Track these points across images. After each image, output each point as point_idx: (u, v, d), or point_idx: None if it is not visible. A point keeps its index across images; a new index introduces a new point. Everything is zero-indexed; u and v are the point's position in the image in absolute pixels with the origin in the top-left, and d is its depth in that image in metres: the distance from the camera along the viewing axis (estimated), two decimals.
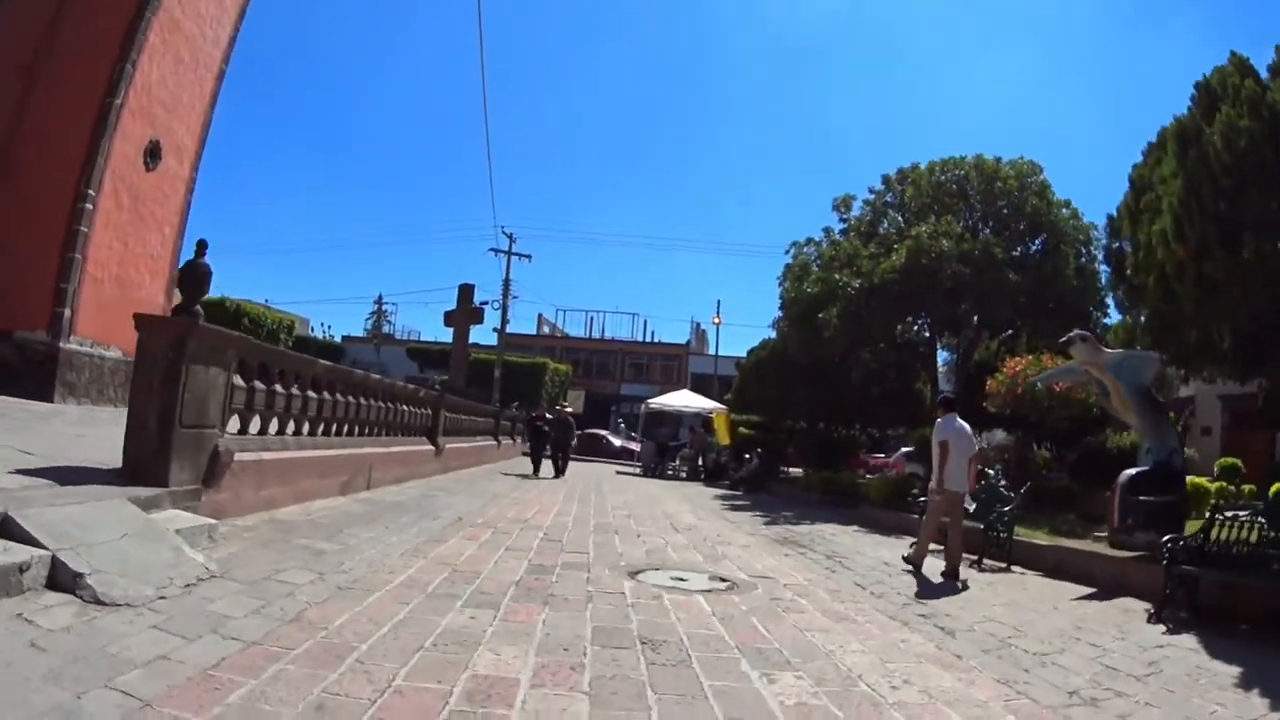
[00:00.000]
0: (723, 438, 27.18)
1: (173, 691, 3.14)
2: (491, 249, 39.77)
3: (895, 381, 25.30)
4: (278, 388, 8.83)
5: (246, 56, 57.81)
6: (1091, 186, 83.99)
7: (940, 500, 8.96)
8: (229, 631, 3.98)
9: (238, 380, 7.95)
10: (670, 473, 26.80)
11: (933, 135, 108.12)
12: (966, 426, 9.40)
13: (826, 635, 5.23)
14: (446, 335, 39.64)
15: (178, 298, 7.51)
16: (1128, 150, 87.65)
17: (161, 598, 4.36)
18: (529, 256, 40.34)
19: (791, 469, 27.14)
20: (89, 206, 19.43)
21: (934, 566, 8.75)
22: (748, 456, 24.68)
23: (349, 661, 3.73)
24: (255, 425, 8.63)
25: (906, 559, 9.10)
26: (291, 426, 9.52)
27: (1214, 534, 6.91)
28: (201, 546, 6.14)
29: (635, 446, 30.83)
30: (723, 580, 7.01)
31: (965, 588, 8.00)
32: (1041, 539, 10.30)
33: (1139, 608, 7.03)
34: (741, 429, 28.28)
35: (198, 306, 7.29)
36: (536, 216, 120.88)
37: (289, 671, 3.52)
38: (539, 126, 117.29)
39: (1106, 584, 8.26)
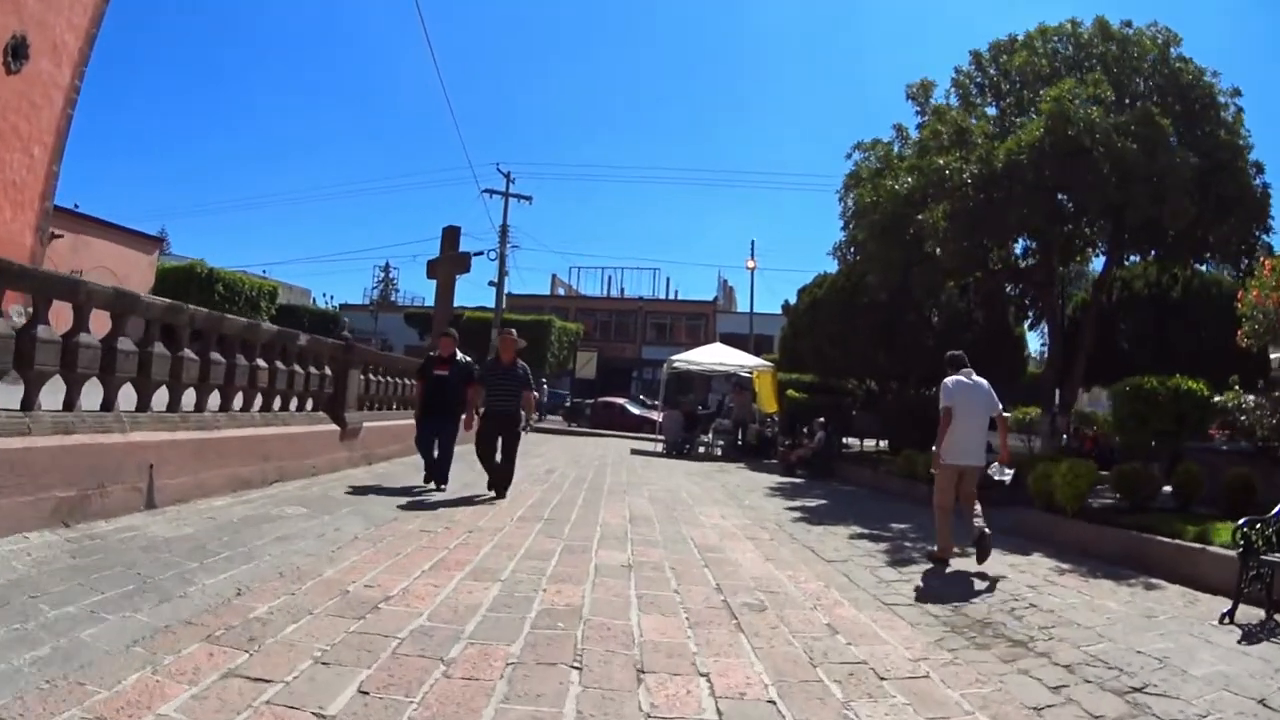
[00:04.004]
0: (768, 403, 21.21)
1: None
2: (486, 190, 33.53)
3: (987, 324, 19.27)
4: None
5: None
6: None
7: (939, 476, 7.22)
8: None
9: None
10: (702, 449, 20.94)
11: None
12: (984, 384, 7.45)
13: None
14: (456, 300, 33.90)
15: None
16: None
17: None
18: (529, 198, 34.35)
19: (854, 440, 21.21)
20: None
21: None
22: (804, 429, 18.73)
23: None
24: None
25: (930, 555, 7.19)
26: None
27: None
28: None
29: (657, 417, 24.83)
30: None
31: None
32: None
33: None
34: (790, 392, 22.30)
35: None
36: (546, 164, 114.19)
37: None
38: (548, 66, 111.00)
39: None
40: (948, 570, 6.86)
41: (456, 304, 34.01)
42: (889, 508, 11.08)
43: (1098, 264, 18.43)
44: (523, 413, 9.44)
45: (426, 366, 9.85)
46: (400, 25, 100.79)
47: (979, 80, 16.86)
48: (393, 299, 64.04)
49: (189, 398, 7.57)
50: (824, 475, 15.67)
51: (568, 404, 34.59)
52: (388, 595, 4.53)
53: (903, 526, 9.28)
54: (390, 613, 4.20)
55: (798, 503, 11.18)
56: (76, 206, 28.22)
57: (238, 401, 8.34)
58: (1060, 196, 13.75)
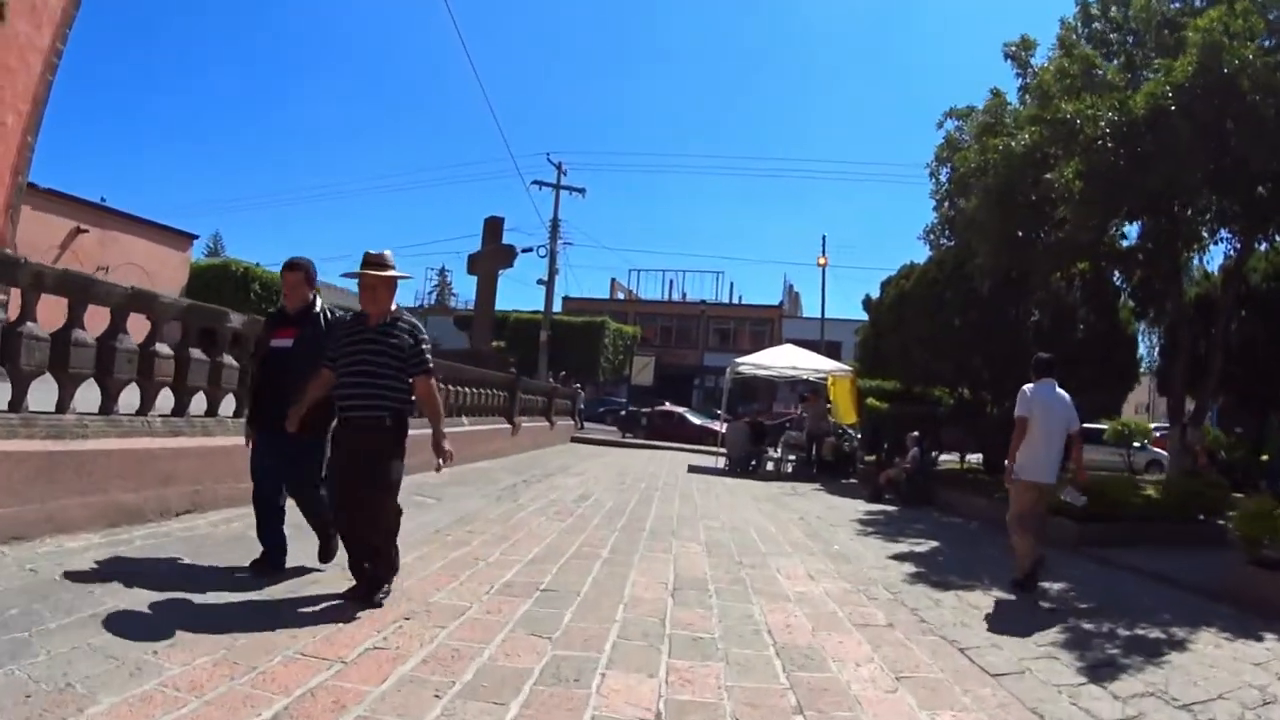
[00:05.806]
0: (846, 414, 18.34)
1: None
2: (535, 181, 31.30)
3: (1097, 322, 16.17)
4: None
5: None
6: None
7: (1015, 492, 6.35)
8: None
9: None
10: (771, 465, 18.18)
11: None
12: (1064, 396, 6.43)
13: None
14: (509, 303, 31.86)
15: None
16: None
17: None
18: (582, 190, 31.89)
19: (944, 455, 18.13)
20: None
21: None
22: (884, 445, 15.87)
23: None
24: None
25: (1017, 582, 6.20)
26: None
27: None
28: None
29: (719, 428, 22.07)
30: None
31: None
32: None
33: None
34: (870, 400, 19.38)
35: None
36: (603, 154, 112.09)
37: None
38: (602, 63, 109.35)
39: None
40: (1032, 588, 6.19)
41: (508, 306, 31.99)
42: (1069, 566, 8.17)
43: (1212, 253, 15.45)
44: (430, 431, 4.43)
45: (263, 335, 5.25)
46: (465, 8, 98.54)
47: (1085, 35, 14.05)
48: (448, 303, 63.05)
49: (47, 396, 5.30)
50: (919, 501, 12.81)
51: (621, 412, 31.92)
52: None
53: (1058, 586, 6.50)
54: None
55: (902, 546, 8.38)
56: (104, 200, 26.94)
57: (132, 403, 6.04)
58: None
